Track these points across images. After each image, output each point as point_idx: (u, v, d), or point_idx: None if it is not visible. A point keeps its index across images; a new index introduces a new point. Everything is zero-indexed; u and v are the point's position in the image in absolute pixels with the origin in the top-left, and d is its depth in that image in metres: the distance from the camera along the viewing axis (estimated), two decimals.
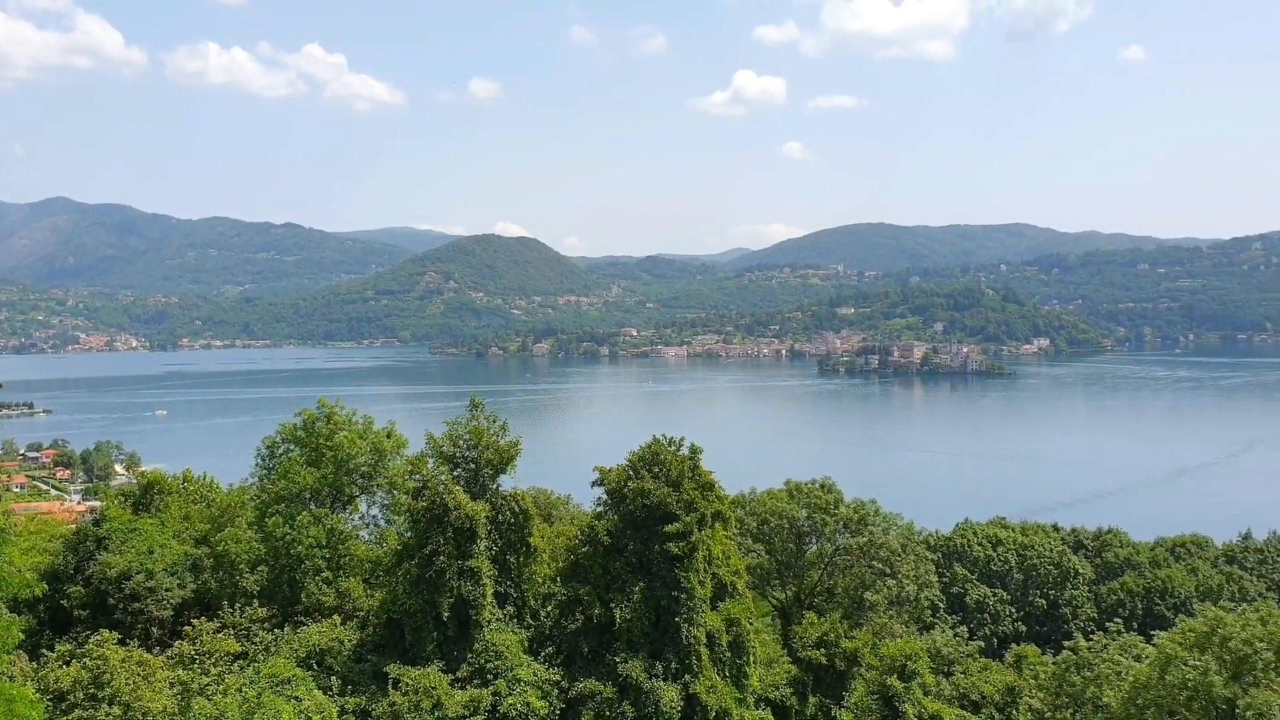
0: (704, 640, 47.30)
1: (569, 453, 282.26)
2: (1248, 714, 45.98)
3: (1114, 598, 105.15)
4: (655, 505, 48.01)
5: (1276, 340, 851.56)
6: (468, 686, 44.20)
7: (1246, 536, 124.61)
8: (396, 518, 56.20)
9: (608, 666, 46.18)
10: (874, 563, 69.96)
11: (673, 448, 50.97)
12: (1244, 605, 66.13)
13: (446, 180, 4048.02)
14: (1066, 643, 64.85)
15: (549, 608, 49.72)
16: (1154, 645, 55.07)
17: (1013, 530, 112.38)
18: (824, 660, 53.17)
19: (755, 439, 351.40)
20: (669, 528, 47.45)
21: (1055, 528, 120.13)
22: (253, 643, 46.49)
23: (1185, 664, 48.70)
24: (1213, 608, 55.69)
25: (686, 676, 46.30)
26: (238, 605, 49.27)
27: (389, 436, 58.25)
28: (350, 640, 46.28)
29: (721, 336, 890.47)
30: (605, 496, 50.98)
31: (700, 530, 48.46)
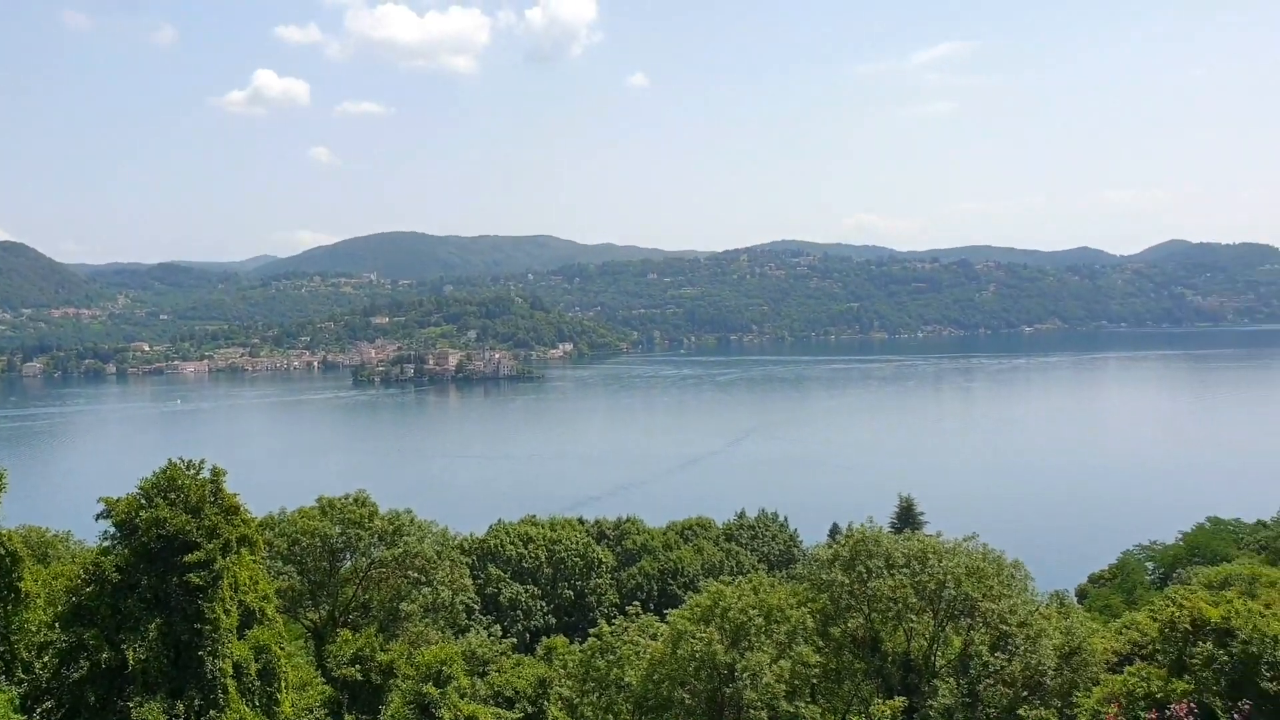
0: (230, 671, 44.92)
1: (69, 485, 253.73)
2: (744, 675, 52.36)
3: (633, 582, 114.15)
4: (173, 535, 44.74)
5: (761, 340, 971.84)
6: None
7: (741, 515, 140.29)
8: None
9: (120, 713, 42.40)
10: (409, 572, 70.31)
11: (192, 471, 47.72)
12: (740, 578, 74.97)
13: None
14: (592, 630, 69.54)
15: (46, 657, 44.61)
16: (667, 623, 60.83)
17: (542, 527, 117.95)
18: (359, 676, 52.65)
19: (286, 456, 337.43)
20: (189, 557, 44.44)
21: (581, 521, 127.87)
22: None
23: (693, 637, 54.29)
24: (715, 583, 62.19)
25: (212, 712, 43.70)
26: None
27: None
28: None
29: (247, 349, 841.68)
30: (113, 529, 46.58)
31: (224, 557, 45.90)
